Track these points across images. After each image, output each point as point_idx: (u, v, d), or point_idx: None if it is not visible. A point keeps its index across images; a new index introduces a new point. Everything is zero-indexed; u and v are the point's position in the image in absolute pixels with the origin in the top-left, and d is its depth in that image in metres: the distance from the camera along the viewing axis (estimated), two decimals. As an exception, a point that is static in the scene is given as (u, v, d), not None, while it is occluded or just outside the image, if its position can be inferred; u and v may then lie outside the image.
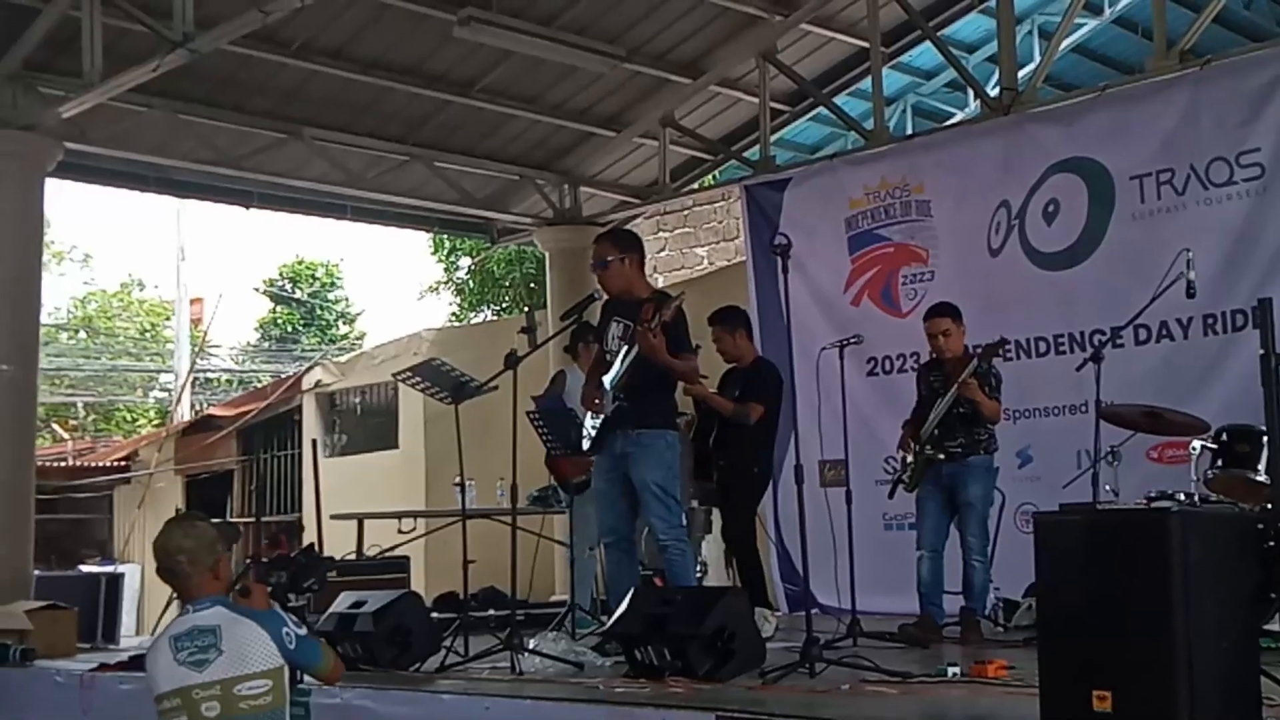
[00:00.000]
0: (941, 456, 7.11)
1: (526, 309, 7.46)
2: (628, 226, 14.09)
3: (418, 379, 7.23)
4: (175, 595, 4.24)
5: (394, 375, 8.20)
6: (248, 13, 8.24)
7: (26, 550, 9.47)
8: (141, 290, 33.05)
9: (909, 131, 13.95)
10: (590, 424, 6.67)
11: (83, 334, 31.50)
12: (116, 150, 10.50)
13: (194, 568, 4.08)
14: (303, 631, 4.21)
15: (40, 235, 10.29)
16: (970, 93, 12.66)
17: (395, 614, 6.58)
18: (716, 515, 8.26)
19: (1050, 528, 3.87)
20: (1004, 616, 7.76)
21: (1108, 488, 6.75)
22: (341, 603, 7.01)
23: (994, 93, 10.02)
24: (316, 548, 8.59)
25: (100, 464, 18.81)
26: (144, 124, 10.31)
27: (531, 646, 6.26)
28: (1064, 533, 3.82)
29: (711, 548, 9.12)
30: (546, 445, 7.97)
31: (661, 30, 10.73)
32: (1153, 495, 6.98)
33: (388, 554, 9.84)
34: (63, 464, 19.14)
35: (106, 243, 56.65)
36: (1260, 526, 4.79)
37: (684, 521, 6.90)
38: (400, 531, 9.90)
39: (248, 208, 12.09)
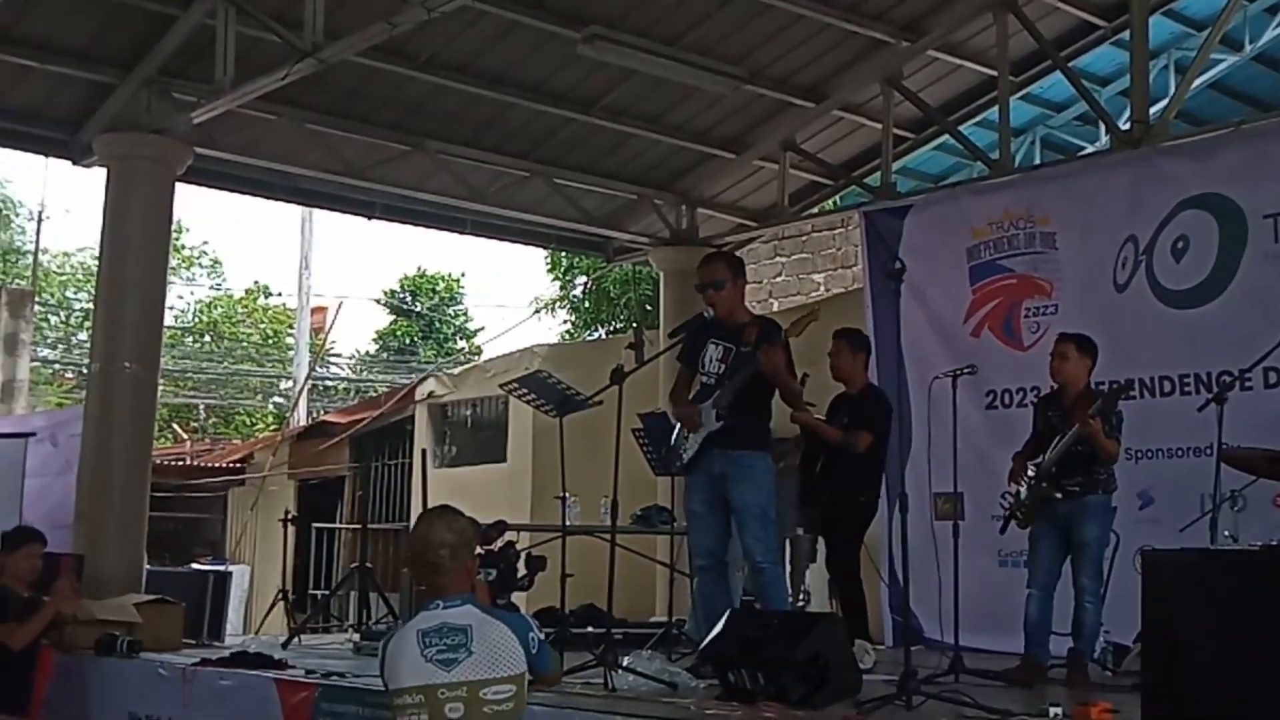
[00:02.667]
0: (1059, 495, 6.92)
1: (634, 326, 7.43)
2: (743, 251, 14.14)
3: (524, 390, 7.25)
4: (423, 588, 4.16)
5: (500, 385, 8.22)
6: (375, 24, 8.36)
7: (140, 546, 9.69)
8: (266, 297, 33.75)
9: (1037, 163, 13.74)
10: (678, 439, 6.63)
11: (207, 338, 32.21)
12: (245, 157, 10.74)
13: (454, 562, 4.03)
14: (543, 636, 4.13)
15: (168, 238, 10.52)
16: (1101, 127, 12.39)
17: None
18: (822, 544, 8.15)
19: (1160, 566, 3.72)
20: (1113, 661, 7.54)
21: (1226, 533, 6.53)
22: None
23: (1125, 127, 9.81)
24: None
25: (216, 464, 19.18)
26: (272, 132, 10.53)
27: (626, 664, 6.21)
28: (1174, 571, 3.67)
29: (815, 576, 9.02)
30: (650, 462, 7.93)
31: (785, 53, 10.68)
32: (1275, 543, 6.79)
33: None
34: (180, 464, 19.54)
35: (235, 248, 58.00)
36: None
37: (778, 544, 6.82)
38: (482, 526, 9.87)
39: (370, 218, 12.25)
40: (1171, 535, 8.22)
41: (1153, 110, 9.62)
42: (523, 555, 7.80)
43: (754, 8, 9.98)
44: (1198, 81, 10.50)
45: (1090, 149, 14.01)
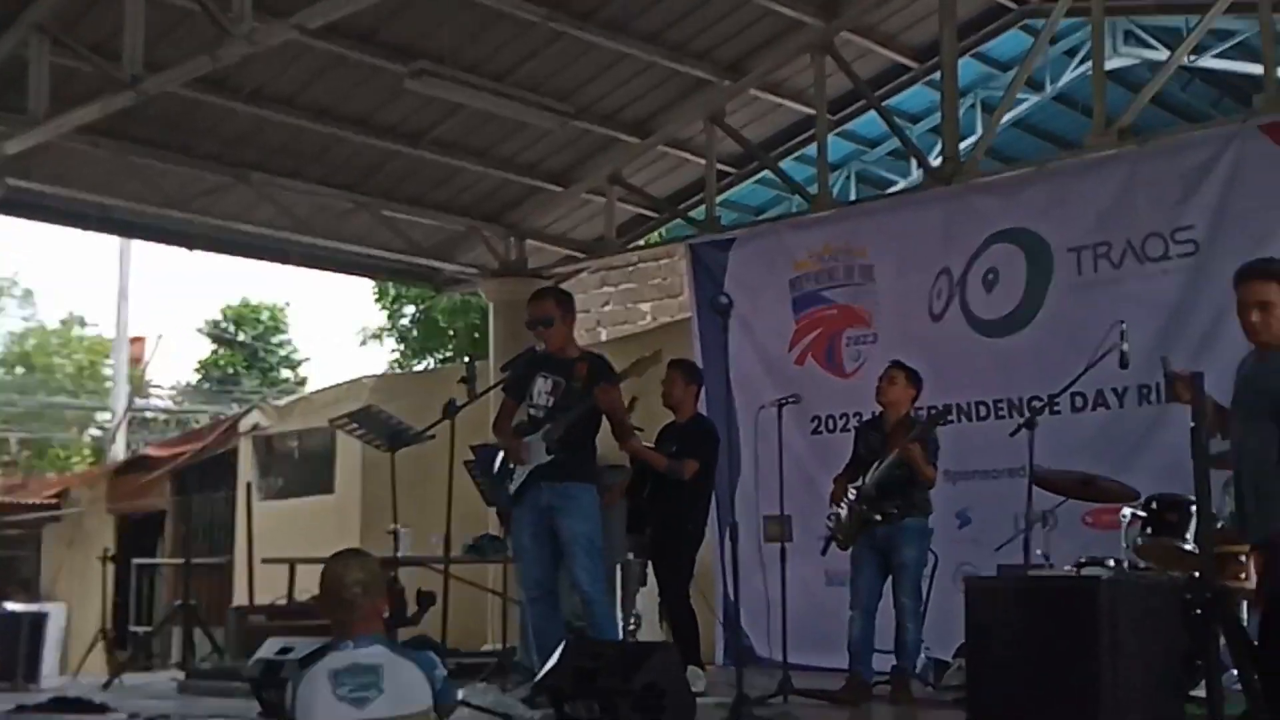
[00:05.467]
0: (878, 518, 7.17)
1: (467, 359, 7.45)
2: (571, 281, 14.25)
3: (355, 425, 7.24)
4: (332, 628, 4.19)
5: (331, 422, 8.19)
6: (198, 57, 8.25)
7: (-52, 588, 9.33)
8: (82, 327, 32.71)
9: (852, 196, 14.15)
10: (500, 469, 6.71)
11: (20, 369, 31.06)
12: (60, 188, 10.46)
13: (366, 599, 4.09)
14: (445, 673, 4.20)
15: (-21, 270, 10.18)
16: (913, 162, 12.86)
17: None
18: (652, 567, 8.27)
19: (981, 592, 3.92)
20: (934, 676, 7.83)
21: (1039, 552, 6.84)
22: (269, 648, 6.94)
23: (936, 162, 10.20)
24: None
25: (30, 501, 18.52)
26: (89, 163, 10.27)
27: (460, 697, 6.22)
28: (994, 597, 3.87)
29: (645, 601, 9.13)
30: (483, 494, 7.98)
31: (612, 90, 10.83)
32: (1083, 561, 7.13)
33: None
34: (-10, 501, 18.84)
35: (48, 278, 56.03)
36: (1188, 595, 4.89)
37: (605, 574, 6.94)
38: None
39: (191, 249, 12.00)
40: (988, 554, 8.57)
41: (962, 146, 10.03)
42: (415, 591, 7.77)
43: (581, 46, 10.11)
44: (1003, 120, 10.97)
45: (902, 183, 14.51)
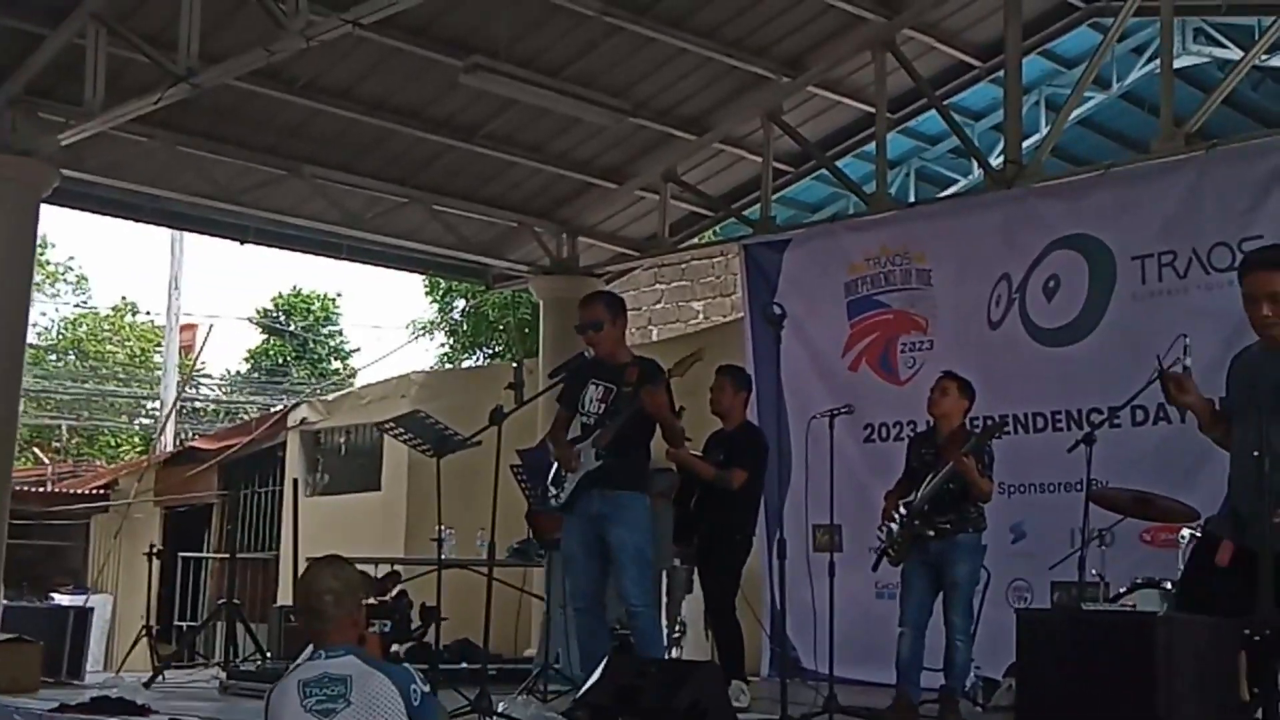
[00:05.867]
0: (930, 533, 6.98)
1: (515, 365, 7.32)
2: (623, 279, 14.13)
3: (401, 430, 7.13)
4: (308, 638, 4.12)
5: (377, 426, 8.09)
6: (253, 51, 8.20)
7: (-3, 581, 9.34)
8: (134, 315, 32.93)
9: (911, 195, 13.97)
10: (554, 479, 6.58)
11: (71, 356, 31.33)
12: (113, 179, 10.45)
13: (338, 609, 4.00)
14: (428, 689, 4.08)
15: (32, 261, 10.22)
16: (975, 160, 12.64)
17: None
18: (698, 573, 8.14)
19: (1033, 624, 3.77)
20: (983, 696, 7.64)
21: (1094, 571, 6.65)
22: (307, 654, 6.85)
23: (998, 161, 9.99)
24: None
25: (79, 491, 18.63)
26: (142, 154, 10.25)
27: (500, 710, 6.12)
28: (1047, 629, 3.73)
29: (691, 607, 9.01)
30: (528, 498, 7.86)
31: (668, 86, 10.70)
32: (1139, 581, 6.92)
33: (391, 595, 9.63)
34: (41, 489, 18.95)
35: (102, 265, 56.55)
36: (1246, 631, 4.71)
37: (653, 586, 6.80)
38: (376, 578, 9.72)
39: (243, 243, 11.97)
40: (1042, 570, 8.41)
41: (1025, 144, 9.82)
42: (418, 606, 7.67)
43: (638, 41, 9.99)
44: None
45: (963, 182, 14.30)
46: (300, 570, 9.27)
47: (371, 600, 7.64)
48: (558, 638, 8.21)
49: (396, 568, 8.80)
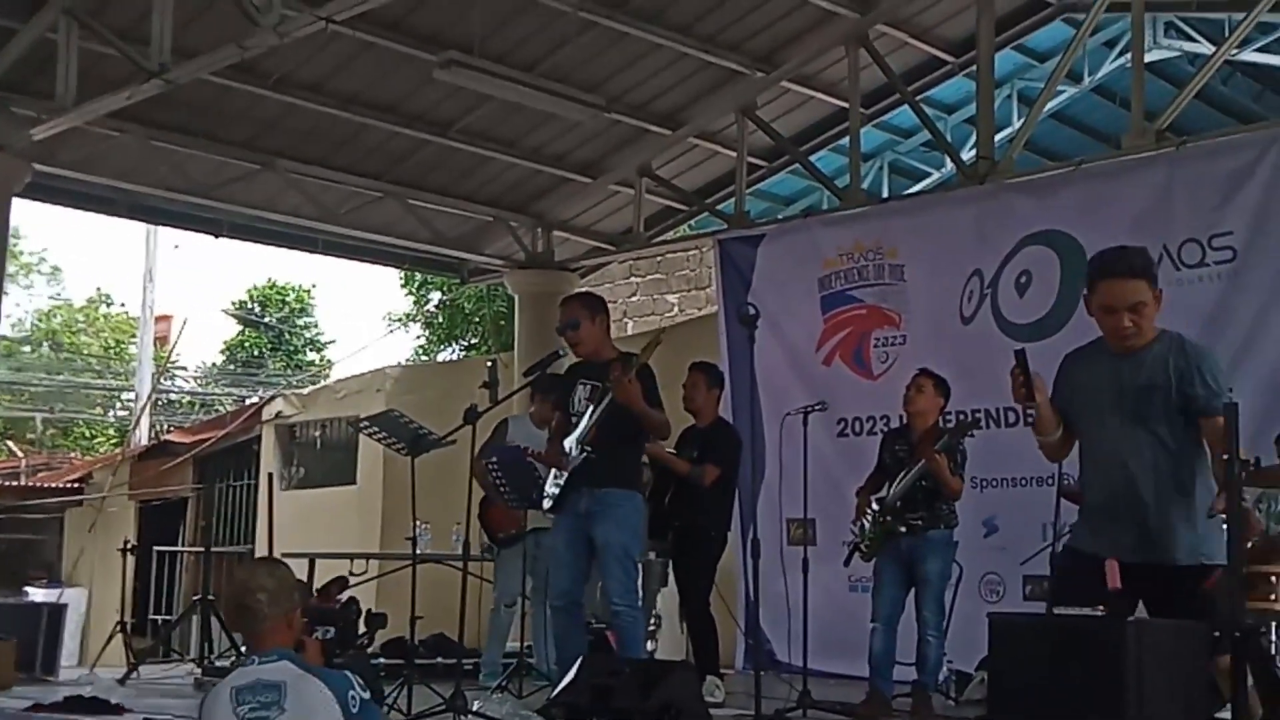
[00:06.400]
0: (902, 529, 7.03)
1: (489, 364, 7.35)
2: (599, 270, 14.15)
3: (375, 429, 7.13)
4: (242, 641, 3.97)
5: (351, 425, 8.08)
6: (225, 47, 8.18)
7: (-31, 577, 9.32)
8: (109, 306, 32.78)
9: (884, 188, 14.03)
10: (552, 483, 6.58)
11: (46, 348, 31.17)
12: (87, 174, 10.41)
13: (271, 609, 3.85)
14: (367, 695, 3.91)
15: (4, 255, 10.14)
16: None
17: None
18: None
19: (1005, 629, 3.81)
20: (955, 690, 7.71)
21: (1064, 566, 6.69)
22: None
23: (969, 154, 10.04)
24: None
25: (53, 485, 18.55)
26: (116, 149, 10.22)
27: (475, 708, 6.15)
28: (1018, 635, 3.77)
29: (666, 600, 9.05)
30: (503, 496, 7.87)
31: (642, 81, 10.72)
32: (1100, 611, 6.95)
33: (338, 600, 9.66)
34: (15, 483, 18.86)
35: (76, 256, 56.30)
36: (1215, 634, 4.72)
37: (639, 588, 6.81)
38: (352, 574, 9.73)
39: (217, 237, 11.97)
40: (1014, 564, 8.49)
41: (997, 138, 9.86)
42: (364, 612, 7.65)
43: (612, 36, 10.00)
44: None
45: (936, 175, 14.36)
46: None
47: (312, 604, 7.56)
48: (499, 635, 8.25)
49: (343, 574, 8.78)
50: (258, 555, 12.58)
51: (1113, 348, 4.55)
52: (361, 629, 7.40)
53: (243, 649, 4.20)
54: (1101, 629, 3.60)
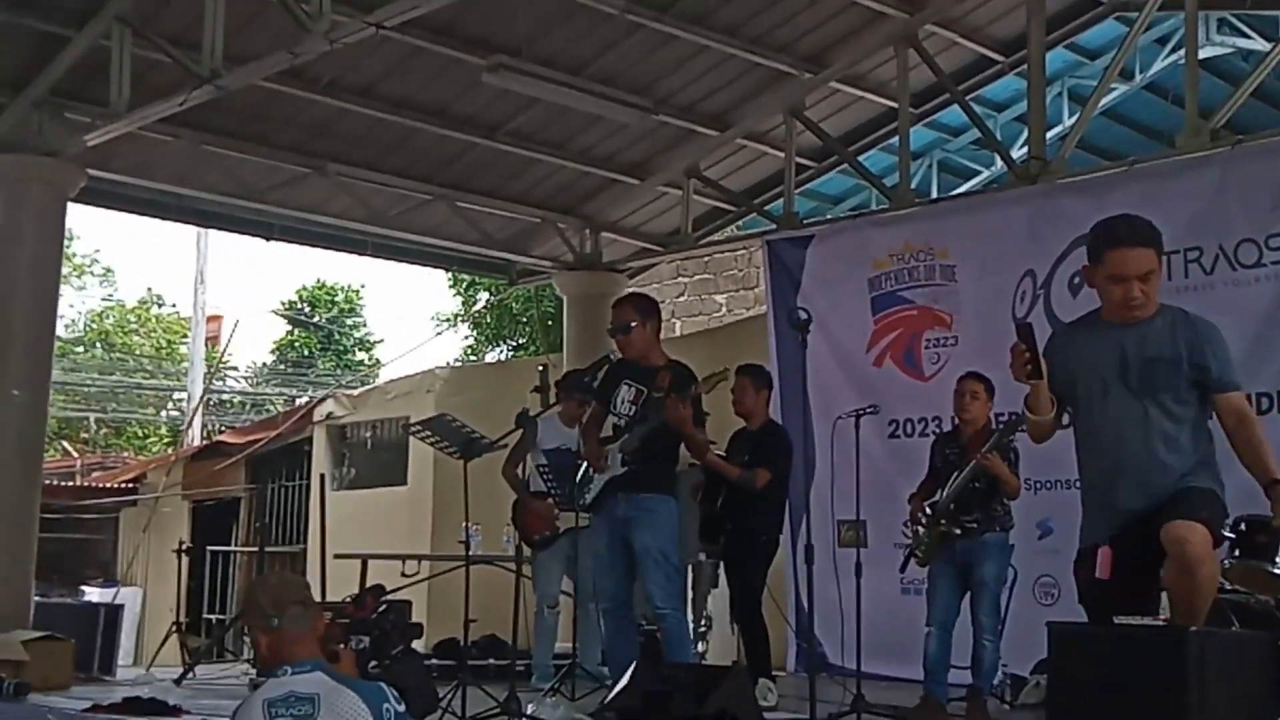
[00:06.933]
0: (957, 532, 6.98)
1: (541, 368, 7.36)
2: (646, 273, 14.13)
3: (428, 433, 7.17)
4: (260, 655, 3.87)
5: (404, 429, 8.13)
6: (277, 54, 8.24)
7: (28, 577, 9.41)
8: (160, 307, 33.10)
9: (933, 187, 13.94)
10: (585, 477, 6.62)
11: (98, 348, 31.50)
12: (139, 179, 10.51)
13: (299, 623, 3.78)
14: (402, 709, 3.81)
15: (59, 260, 10.27)
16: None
17: (392, 673, 6.47)
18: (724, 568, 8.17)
19: (1065, 637, 3.77)
20: (1011, 693, 7.65)
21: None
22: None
23: (1020, 152, 9.96)
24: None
25: (108, 485, 18.76)
26: (168, 154, 10.31)
27: (529, 712, 6.16)
28: (1080, 644, 3.72)
29: (717, 601, 9.05)
30: (553, 496, 7.90)
31: (690, 82, 10.70)
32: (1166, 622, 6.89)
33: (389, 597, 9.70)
34: (70, 484, 19.09)
35: (128, 257, 56.87)
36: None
37: (680, 589, 6.82)
38: (404, 575, 9.79)
39: (268, 239, 12.06)
40: (1068, 565, 8.35)
41: (1048, 135, 9.77)
42: (399, 621, 7.65)
43: (660, 38, 9.99)
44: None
45: (986, 173, 14.26)
46: (325, 565, 9.40)
47: (347, 613, 7.55)
48: (548, 636, 8.29)
49: (380, 582, 8.84)
50: (308, 555, 12.69)
51: (1116, 319, 4.41)
52: (398, 645, 7.32)
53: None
54: (1163, 638, 3.55)
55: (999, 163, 13.11)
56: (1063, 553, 8.40)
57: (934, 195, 13.17)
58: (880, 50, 10.41)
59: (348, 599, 8.00)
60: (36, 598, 9.77)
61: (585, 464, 6.75)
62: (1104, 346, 4.41)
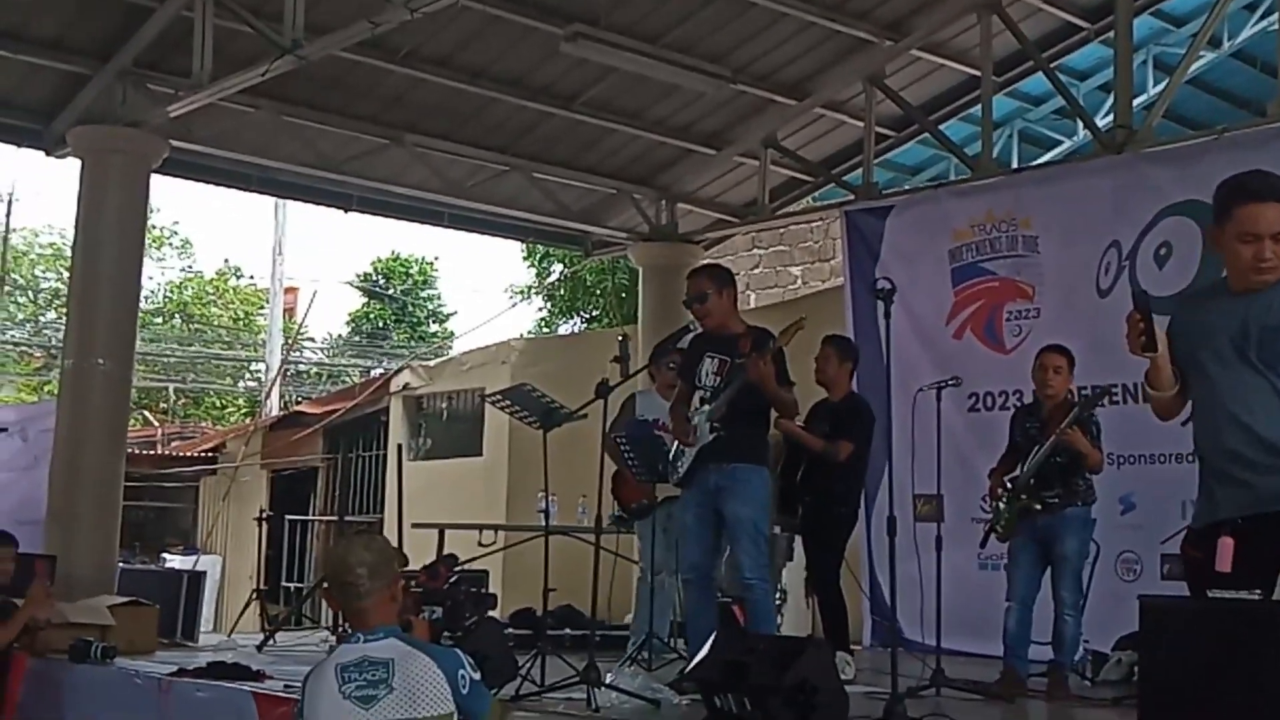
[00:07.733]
0: (1038, 507, 6.88)
1: (621, 338, 7.33)
2: (721, 245, 14.05)
3: (508, 403, 7.17)
4: (344, 619, 3.85)
5: (484, 398, 8.13)
6: (357, 23, 8.26)
7: (113, 544, 9.60)
8: (238, 278, 33.47)
9: (1014, 157, 13.72)
10: (676, 455, 6.58)
11: (177, 319, 31.93)
12: (221, 150, 10.60)
13: (373, 583, 3.67)
14: (478, 676, 3.74)
15: (143, 232, 10.41)
16: (1080, 121, 12.38)
17: (473, 640, 6.48)
18: (799, 542, 8.12)
19: (1156, 613, 3.67)
20: (1092, 670, 7.57)
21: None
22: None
23: (1104, 121, 9.77)
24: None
25: (188, 454, 19.05)
26: (249, 124, 10.40)
27: (609, 681, 6.15)
28: (1171, 619, 3.62)
29: (792, 574, 8.99)
30: (633, 471, 7.87)
31: (768, 51, 10.61)
32: (1263, 596, 6.74)
33: (466, 567, 9.74)
34: (152, 452, 19.39)
35: (205, 228, 57.59)
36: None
37: (769, 561, 6.78)
38: (480, 544, 9.84)
39: (346, 211, 12.12)
40: (1153, 542, 8.29)
41: (1134, 104, 9.58)
42: (472, 592, 7.63)
43: (737, 6, 9.91)
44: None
45: (1068, 143, 14.01)
46: (402, 535, 9.45)
47: (420, 583, 7.53)
48: (647, 604, 8.24)
49: (453, 552, 8.84)
50: (385, 525, 12.79)
51: (1241, 284, 4.00)
52: (470, 616, 7.30)
53: (345, 627, 4.00)
54: (1264, 614, 3.44)
55: (1081, 132, 12.90)
56: (1144, 528, 8.36)
57: (1015, 165, 12.96)
58: (962, 17, 10.25)
59: (421, 569, 8.02)
60: (121, 564, 9.93)
61: (675, 442, 6.71)
62: (1222, 312, 4.03)
